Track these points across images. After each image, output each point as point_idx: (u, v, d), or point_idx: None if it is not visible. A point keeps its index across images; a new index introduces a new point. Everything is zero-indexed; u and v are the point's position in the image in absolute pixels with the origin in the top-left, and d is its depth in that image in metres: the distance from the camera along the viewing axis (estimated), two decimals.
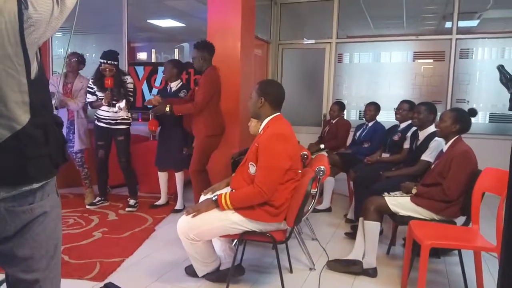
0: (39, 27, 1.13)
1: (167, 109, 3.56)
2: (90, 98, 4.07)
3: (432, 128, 3.29)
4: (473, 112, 2.76)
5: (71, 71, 4.17)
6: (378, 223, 2.73)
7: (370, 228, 2.71)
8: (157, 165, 4.16)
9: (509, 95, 1.07)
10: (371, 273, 2.70)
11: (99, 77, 3.97)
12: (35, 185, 1.15)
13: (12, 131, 1.07)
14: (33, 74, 1.12)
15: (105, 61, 3.88)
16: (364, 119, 4.49)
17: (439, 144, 3.15)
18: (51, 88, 4.10)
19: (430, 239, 2.21)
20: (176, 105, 3.61)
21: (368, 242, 2.72)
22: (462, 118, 2.69)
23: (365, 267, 2.71)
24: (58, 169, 1.22)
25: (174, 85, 4.02)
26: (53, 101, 4.03)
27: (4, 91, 1.05)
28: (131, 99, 4.07)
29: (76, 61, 4.16)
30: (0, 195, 1.08)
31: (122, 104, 3.90)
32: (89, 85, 4.08)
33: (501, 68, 0.96)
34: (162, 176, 4.19)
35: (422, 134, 3.34)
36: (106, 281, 2.56)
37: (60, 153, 1.21)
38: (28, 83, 1.10)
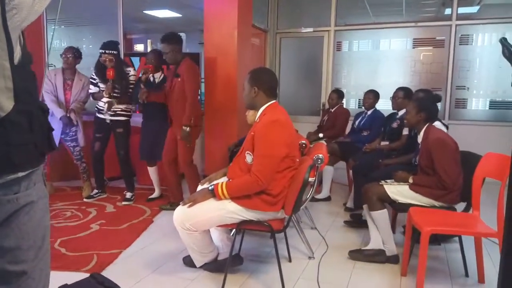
0: (21, 10, 1.08)
1: (188, 129, 3.51)
2: (93, 89, 4.03)
3: None
4: (436, 98, 2.76)
5: (68, 68, 4.11)
6: (385, 210, 2.70)
7: (379, 217, 2.68)
8: (144, 158, 4.12)
9: None
10: (394, 260, 2.69)
11: (100, 68, 3.91)
12: (21, 174, 1.11)
13: None
14: (16, 59, 1.08)
15: (103, 51, 3.81)
16: (363, 107, 4.45)
17: (439, 127, 3.11)
18: (48, 85, 4.07)
19: (430, 226, 2.18)
20: (185, 117, 3.52)
21: (382, 231, 2.69)
22: (425, 106, 2.69)
23: (388, 255, 2.70)
24: (44, 157, 1.18)
25: (157, 76, 3.97)
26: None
27: None
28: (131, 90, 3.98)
29: (73, 57, 4.08)
30: None
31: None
32: (92, 75, 4.04)
33: (503, 41, 0.92)
34: (152, 171, 4.15)
35: None
36: (103, 272, 2.54)
37: (46, 141, 1.17)
38: (11, 68, 1.05)
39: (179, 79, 3.59)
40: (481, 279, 2.44)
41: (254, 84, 2.35)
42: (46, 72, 4.19)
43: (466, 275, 2.54)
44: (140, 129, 4.95)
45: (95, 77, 4.00)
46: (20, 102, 1.08)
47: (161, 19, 6.72)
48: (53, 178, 4.42)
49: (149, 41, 5.82)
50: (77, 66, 4.21)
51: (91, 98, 4.11)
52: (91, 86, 4.05)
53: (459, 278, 2.53)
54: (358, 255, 2.77)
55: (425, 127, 2.69)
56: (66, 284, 1.63)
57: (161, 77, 3.97)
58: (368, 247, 2.78)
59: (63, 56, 4.07)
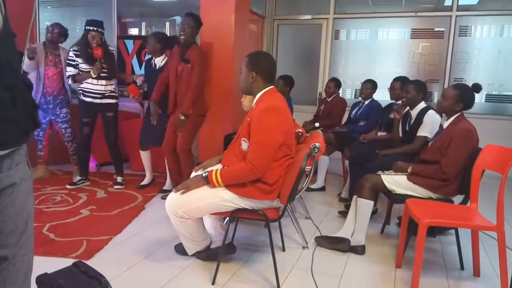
0: None
1: (182, 117, 3.39)
2: (72, 71, 3.79)
3: (422, 105, 3.24)
4: (477, 88, 2.64)
5: (51, 42, 3.97)
6: (372, 202, 2.67)
7: (363, 206, 2.65)
8: (142, 144, 3.99)
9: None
10: (360, 250, 2.67)
11: (84, 47, 3.74)
12: (1, 152, 1.03)
13: None
14: None
15: (95, 28, 3.67)
16: (360, 97, 4.38)
17: (433, 118, 3.08)
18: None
19: (428, 218, 2.13)
20: (186, 106, 3.40)
21: (359, 220, 2.66)
22: (466, 96, 2.58)
23: (353, 245, 2.67)
24: (28, 135, 1.11)
25: (158, 61, 3.81)
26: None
27: None
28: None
29: (58, 33, 3.95)
30: None
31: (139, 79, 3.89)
32: (69, 57, 3.81)
33: None
34: (145, 155, 4.03)
35: (414, 113, 3.27)
36: (92, 259, 2.49)
37: (30, 118, 1.09)
38: None
39: (188, 65, 3.43)
40: (476, 273, 2.42)
41: (252, 68, 2.27)
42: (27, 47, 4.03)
43: (462, 268, 2.52)
44: (131, 114, 4.89)
45: (74, 58, 3.77)
46: (1, 75, 1.00)
47: (156, 2, 6.56)
48: (48, 162, 4.33)
49: (143, 23, 5.67)
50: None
51: (70, 81, 3.85)
52: (69, 68, 3.79)
53: (454, 271, 2.50)
54: (323, 241, 2.77)
55: (457, 114, 2.61)
56: (46, 273, 1.55)
57: (164, 61, 3.81)
58: (336, 234, 2.77)
59: (49, 29, 3.93)
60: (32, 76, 3.95)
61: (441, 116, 3.14)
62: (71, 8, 5.91)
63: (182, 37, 3.41)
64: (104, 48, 3.74)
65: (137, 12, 6.74)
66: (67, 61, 3.82)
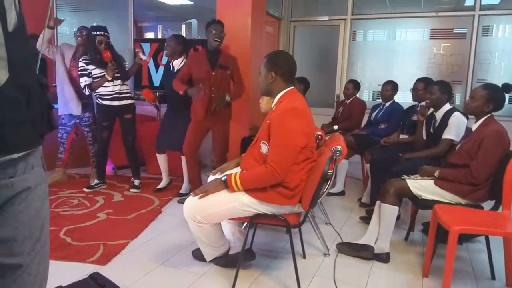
0: None
1: (229, 98, 3.47)
2: (87, 80, 3.75)
3: (447, 106, 3.10)
4: (508, 88, 2.50)
5: (82, 44, 3.99)
6: (396, 207, 2.56)
7: (388, 211, 2.54)
8: (159, 147, 3.92)
9: None
10: (384, 258, 2.56)
11: (94, 53, 3.72)
12: (16, 155, 0.98)
13: None
14: (11, 26, 0.94)
15: (101, 33, 3.69)
16: (380, 99, 4.27)
17: (459, 119, 2.96)
18: (58, 59, 4.02)
19: (459, 225, 2.02)
20: (236, 93, 3.56)
21: (383, 226, 2.56)
22: (495, 97, 2.44)
23: (377, 252, 2.57)
24: (43, 137, 1.05)
25: (177, 63, 3.72)
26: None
27: None
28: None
29: (87, 35, 3.95)
30: None
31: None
32: (80, 67, 3.76)
33: None
34: (162, 158, 3.98)
35: (438, 115, 3.14)
36: (110, 264, 2.44)
37: (45, 119, 1.04)
38: (4, 35, 0.92)
39: (228, 72, 3.46)
40: (509, 283, 2.28)
41: (272, 68, 2.20)
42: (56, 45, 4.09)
43: (493, 277, 2.39)
44: (148, 118, 4.87)
45: (85, 67, 3.73)
46: (16, 74, 0.94)
47: (171, 6, 6.57)
48: (67, 165, 4.32)
49: (159, 26, 5.66)
50: None
51: (87, 91, 3.78)
52: (84, 79, 3.75)
53: (485, 281, 2.37)
54: (346, 248, 2.67)
55: (487, 116, 2.48)
56: (61, 286, 1.49)
57: (182, 63, 3.71)
58: (358, 241, 2.67)
59: (78, 33, 3.98)
60: (59, 72, 4.03)
61: (467, 118, 3.02)
62: (88, 13, 5.95)
63: (217, 43, 3.43)
64: (112, 51, 3.76)
65: (153, 16, 6.77)
66: (79, 72, 3.78)
